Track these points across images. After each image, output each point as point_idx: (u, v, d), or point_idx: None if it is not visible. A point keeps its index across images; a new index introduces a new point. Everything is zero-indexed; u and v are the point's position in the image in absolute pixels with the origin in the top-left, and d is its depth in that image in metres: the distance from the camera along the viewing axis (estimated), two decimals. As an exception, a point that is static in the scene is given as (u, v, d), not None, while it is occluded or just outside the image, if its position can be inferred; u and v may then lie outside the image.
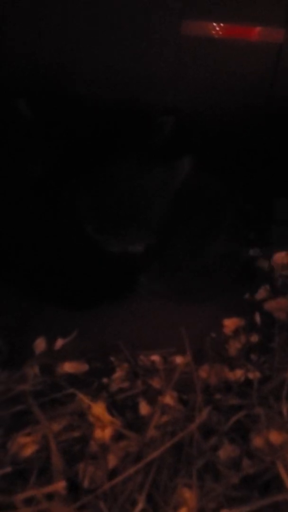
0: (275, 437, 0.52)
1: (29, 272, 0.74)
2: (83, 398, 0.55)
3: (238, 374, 0.62)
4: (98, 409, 0.55)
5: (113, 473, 0.50)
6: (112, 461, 0.51)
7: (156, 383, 0.61)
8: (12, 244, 0.73)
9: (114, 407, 0.57)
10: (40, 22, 0.75)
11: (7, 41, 0.77)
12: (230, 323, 0.72)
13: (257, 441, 0.52)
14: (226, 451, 0.52)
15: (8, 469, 0.49)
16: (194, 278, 0.76)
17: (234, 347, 0.68)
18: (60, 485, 0.47)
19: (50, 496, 0.47)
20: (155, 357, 0.66)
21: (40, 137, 0.78)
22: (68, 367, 0.64)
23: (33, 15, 0.75)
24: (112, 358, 0.66)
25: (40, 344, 0.69)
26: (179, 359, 0.65)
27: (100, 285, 0.75)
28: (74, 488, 0.49)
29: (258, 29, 0.76)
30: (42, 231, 0.74)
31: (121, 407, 0.58)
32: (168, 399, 0.57)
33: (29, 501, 0.46)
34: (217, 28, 0.76)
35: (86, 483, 0.49)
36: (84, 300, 0.74)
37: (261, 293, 0.77)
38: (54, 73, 0.79)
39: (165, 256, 0.75)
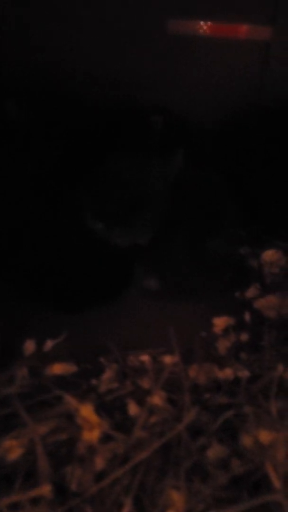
0: (264, 436, 0.51)
1: (19, 273, 0.74)
2: (71, 400, 0.54)
3: (227, 373, 0.62)
4: (86, 410, 0.54)
5: (100, 476, 0.49)
6: (99, 463, 0.50)
7: (145, 383, 0.61)
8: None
9: (102, 408, 0.57)
10: (30, 23, 0.75)
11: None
12: (220, 322, 0.72)
13: (246, 441, 0.51)
14: (215, 451, 0.51)
15: (-6, 473, 0.48)
16: (190, 276, 0.76)
17: (223, 346, 0.68)
18: (46, 489, 0.46)
19: (36, 501, 0.46)
20: (145, 357, 0.66)
21: (31, 136, 0.77)
22: (57, 368, 0.63)
23: (22, 15, 0.74)
24: (101, 359, 0.66)
25: (29, 346, 0.68)
26: (168, 359, 0.65)
27: (90, 288, 0.74)
28: (61, 491, 0.48)
29: (245, 27, 0.76)
30: (32, 234, 0.73)
31: (109, 408, 0.58)
32: (157, 399, 0.57)
33: (14, 506, 0.45)
34: (204, 27, 0.76)
35: (73, 486, 0.48)
36: (74, 302, 0.74)
37: (251, 291, 0.77)
38: (45, 72, 0.78)
39: (162, 254, 0.75)
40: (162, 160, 0.73)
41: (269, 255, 0.81)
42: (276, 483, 0.47)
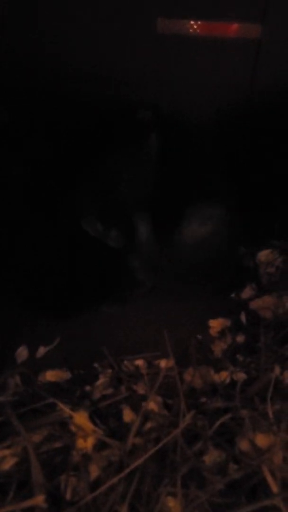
0: (261, 440, 0.51)
1: (10, 279, 0.73)
2: (65, 408, 0.53)
3: (223, 376, 0.61)
4: (80, 418, 0.53)
5: (95, 484, 0.48)
6: (94, 471, 0.49)
7: (140, 388, 0.60)
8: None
9: (97, 415, 0.56)
10: (21, 22, 0.74)
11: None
12: (216, 324, 0.71)
13: (243, 445, 0.51)
14: (212, 456, 0.50)
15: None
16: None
17: (219, 348, 0.67)
18: (40, 499, 0.45)
19: (30, 510, 0.45)
20: (139, 362, 0.65)
21: (23, 136, 0.76)
22: (50, 375, 0.63)
23: (12, 13, 0.74)
24: (95, 365, 0.65)
25: (22, 353, 0.68)
26: (164, 363, 0.64)
27: (83, 293, 0.73)
28: (55, 501, 0.47)
29: (235, 25, 0.76)
30: (24, 240, 0.72)
31: (104, 414, 0.57)
32: (152, 404, 0.56)
33: (8, 517, 0.44)
34: (194, 26, 0.75)
35: (68, 495, 0.47)
36: (66, 308, 0.73)
37: (247, 292, 0.76)
38: (36, 72, 0.78)
39: (158, 254, 0.74)
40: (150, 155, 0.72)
41: (265, 255, 0.80)
42: (274, 487, 0.46)
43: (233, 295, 0.77)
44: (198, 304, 0.74)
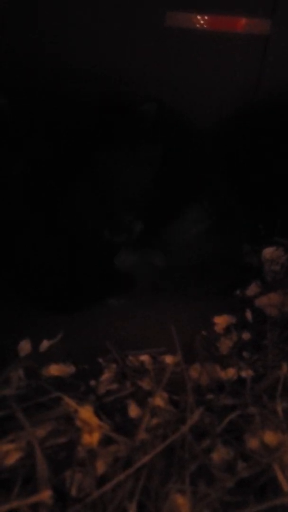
0: (270, 437, 0.50)
1: (13, 273, 0.72)
2: (70, 402, 0.52)
3: (230, 373, 0.60)
4: (86, 413, 0.52)
5: (102, 480, 0.47)
6: (100, 467, 0.48)
7: (145, 384, 0.59)
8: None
9: (102, 410, 0.55)
10: (22, 17, 0.73)
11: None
12: (221, 321, 0.71)
13: (252, 443, 0.50)
14: (220, 454, 0.50)
15: (-9, 479, 0.46)
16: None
17: (225, 345, 0.66)
18: (46, 495, 0.44)
19: (35, 506, 0.44)
20: (145, 357, 0.64)
21: (23, 133, 0.75)
22: (54, 369, 0.62)
23: (13, 10, 0.73)
24: (100, 359, 0.64)
25: (24, 346, 0.66)
26: (169, 359, 0.63)
27: (86, 288, 0.73)
28: (61, 497, 0.46)
29: (244, 20, 0.75)
30: (26, 234, 0.71)
31: (109, 410, 0.56)
32: (159, 400, 0.55)
33: (13, 513, 0.43)
34: (202, 21, 0.75)
35: (73, 492, 0.46)
36: (69, 302, 0.72)
37: (252, 289, 0.76)
38: (37, 66, 0.77)
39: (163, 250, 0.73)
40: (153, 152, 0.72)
41: (269, 252, 0.80)
42: (285, 486, 0.46)
43: (237, 292, 0.76)
44: (203, 300, 0.73)
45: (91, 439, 0.50)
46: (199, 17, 0.75)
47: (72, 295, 0.73)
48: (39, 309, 0.71)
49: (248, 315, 0.71)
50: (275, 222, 0.86)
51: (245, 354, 0.64)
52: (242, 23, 0.75)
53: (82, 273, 0.72)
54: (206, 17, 0.75)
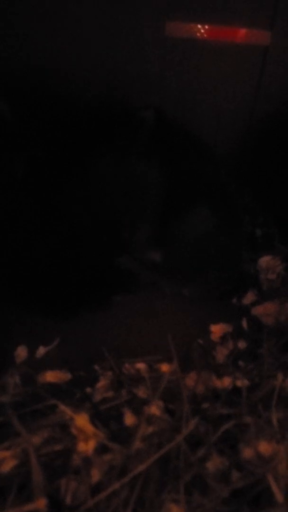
0: (264, 447, 0.50)
1: (11, 279, 0.72)
2: (65, 409, 0.52)
3: (226, 382, 0.60)
4: (81, 420, 0.52)
5: (96, 488, 0.47)
6: (95, 475, 0.48)
7: (141, 392, 0.59)
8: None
9: (97, 418, 0.55)
10: (23, 23, 0.73)
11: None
12: (217, 329, 0.71)
13: (247, 452, 0.50)
14: (215, 463, 0.50)
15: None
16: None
17: (221, 353, 0.66)
18: (40, 503, 0.44)
19: (30, 514, 0.44)
20: (141, 365, 0.64)
21: (22, 137, 0.75)
22: (50, 376, 0.62)
23: (14, 15, 0.73)
24: (96, 367, 0.64)
25: (21, 353, 0.66)
26: (165, 367, 0.63)
27: (83, 293, 0.73)
28: (55, 505, 0.46)
29: (243, 31, 0.76)
30: (23, 239, 0.71)
31: (105, 417, 0.56)
32: (154, 409, 0.55)
33: (7, 521, 0.43)
34: (202, 30, 0.75)
35: (68, 500, 0.46)
36: (66, 308, 0.72)
37: (248, 298, 0.76)
38: (38, 72, 0.77)
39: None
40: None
41: (265, 261, 0.80)
42: (279, 496, 0.46)
43: (234, 300, 0.76)
44: (200, 308, 0.73)
45: (86, 447, 0.50)
46: (199, 27, 0.75)
47: (71, 297, 0.73)
48: (35, 313, 0.71)
49: (244, 324, 0.71)
50: (273, 231, 0.86)
51: (240, 363, 0.64)
52: (242, 34, 0.76)
53: (83, 274, 0.72)
54: (206, 27, 0.75)
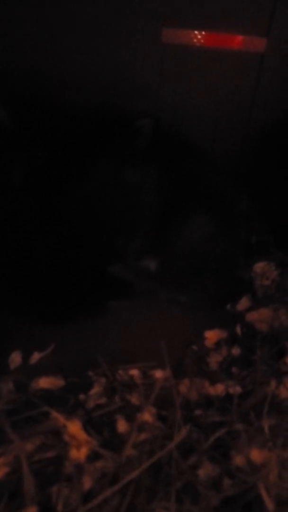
0: (256, 455, 0.50)
1: (5, 285, 0.72)
2: (58, 416, 0.52)
3: (219, 388, 0.61)
4: (74, 427, 0.52)
5: (88, 496, 0.47)
6: (87, 482, 0.48)
7: (134, 398, 0.59)
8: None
9: (90, 424, 0.55)
10: (21, 29, 0.74)
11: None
12: (211, 335, 0.71)
13: (238, 460, 0.50)
14: (206, 471, 0.50)
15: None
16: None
17: (215, 360, 0.67)
18: (32, 510, 0.44)
19: (21, 522, 0.44)
20: (134, 372, 0.64)
21: (20, 143, 0.76)
22: (44, 382, 0.62)
23: (12, 21, 0.73)
24: (89, 373, 0.64)
25: (15, 358, 0.67)
26: (158, 373, 0.63)
27: (77, 299, 0.73)
28: (46, 512, 0.46)
29: (240, 38, 0.76)
30: (17, 244, 0.72)
31: (98, 424, 0.56)
32: (147, 415, 0.55)
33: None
34: (199, 37, 0.76)
35: (59, 507, 0.46)
36: (61, 314, 0.72)
37: (243, 304, 0.76)
38: (36, 79, 0.77)
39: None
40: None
41: (260, 267, 0.80)
42: (269, 504, 0.46)
43: (228, 306, 0.76)
44: (194, 314, 0.74)
45: (78, 454, 0.50)
46: (196, 33, 0.75)
47: (66, 304, 0.73)
48: (30, 319, 0.71)
49: (238, 330, 0.71)
50: (268, 237, 0.87)
51: (234, 369, 0.65)
52: (238, 41, 0.76)
53: (77, 280, 0.72)
54: (203, 34, 0.76)
